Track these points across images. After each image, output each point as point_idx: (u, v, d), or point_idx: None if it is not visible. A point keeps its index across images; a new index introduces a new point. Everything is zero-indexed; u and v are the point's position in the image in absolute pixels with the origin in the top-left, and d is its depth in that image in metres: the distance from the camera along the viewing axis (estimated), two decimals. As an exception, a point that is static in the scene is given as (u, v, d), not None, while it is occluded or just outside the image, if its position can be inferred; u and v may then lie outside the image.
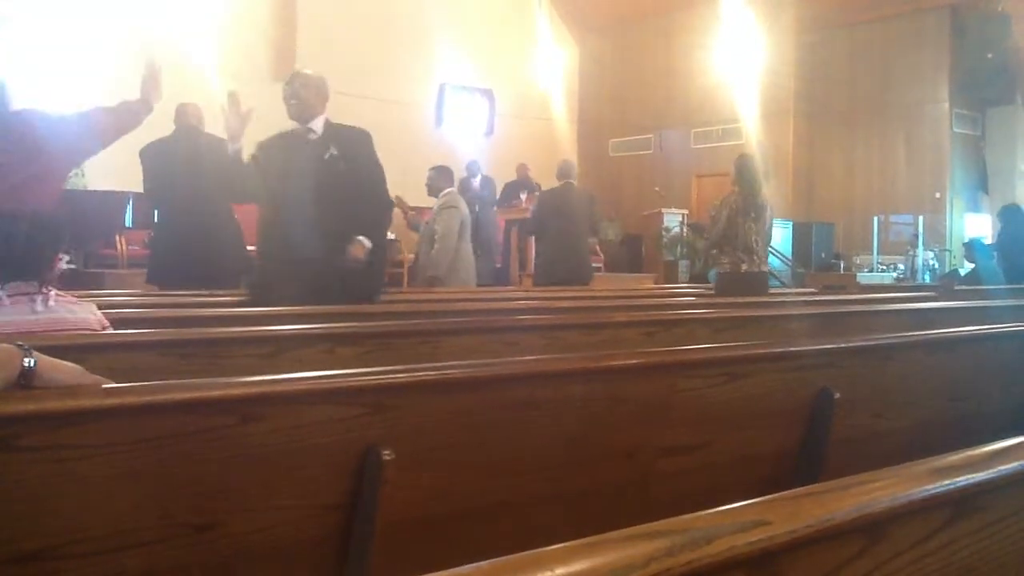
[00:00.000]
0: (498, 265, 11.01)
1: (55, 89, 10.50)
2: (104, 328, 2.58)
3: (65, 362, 1.45)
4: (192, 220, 5.39)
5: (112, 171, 10.19)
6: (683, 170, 14.34)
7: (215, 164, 5.41)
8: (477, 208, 11.50)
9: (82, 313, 2.53)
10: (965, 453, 1.15)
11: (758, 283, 5.98)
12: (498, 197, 11.82)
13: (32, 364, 1.36)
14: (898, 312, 4.83)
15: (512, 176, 12.34)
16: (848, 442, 2.32)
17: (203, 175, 5.33)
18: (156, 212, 5.95)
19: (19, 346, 1.38)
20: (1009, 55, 11.76)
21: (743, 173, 6.02)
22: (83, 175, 10.12)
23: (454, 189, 7.75)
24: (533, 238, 10.60)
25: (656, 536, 0.79)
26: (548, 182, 11.82)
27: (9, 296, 2.40)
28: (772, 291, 7.51)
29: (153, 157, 5.57)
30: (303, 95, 4.48)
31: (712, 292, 6.36)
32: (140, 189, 10.16)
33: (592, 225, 7.94)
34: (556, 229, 7.51)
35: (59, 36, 10.71)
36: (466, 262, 7.60)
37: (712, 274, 8.23)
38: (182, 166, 5.39)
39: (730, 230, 5.92)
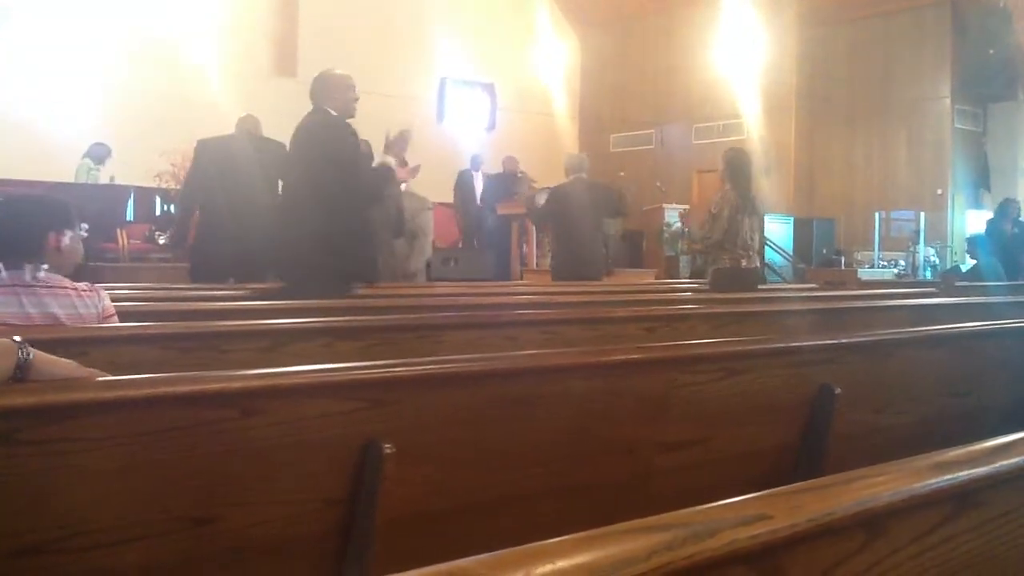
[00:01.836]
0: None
1: (55, 89, 10.52)
2: (105, 319, 2.58)
3: (60, 358, 1.45)
4: (239, 216, 5.42)
5: (115, 164, 10.26)
6: (684, 165, 14.33)
7: (268, 165, 5.45)
8: (480, 203, 11.49)
9: (82, 308, 2.53)
10: (966, 449, 1.15)
11: (751, 279, 5.98)
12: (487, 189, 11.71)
13: (28, 358, 1.37)
14: (899, 308, 4.82)
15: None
16: (849, 438, 2.32)
17: (254, 176, 5.40)
18: (192, 206, 5.98)
19: (15, 341, 1.39)
20: (1011, 51, 11.73)
21: (736, 169, 5.96)
22: (98, 170, 10.15)
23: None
24: (535, 232, 10.62)
25: (658, 530, 0.78)
26: (544, 179, 11.82)
27: (2, 287, 2.41)
28: (773, 286, 7.51)
29: (207, 152, 5.61)
30: None
31: (706, 288, 6.35)
32: (141, 184, 10.28)
33: (615, 211, 7.80)
34: (567, 225, 7.45)
35: (59, 36, 10.70)
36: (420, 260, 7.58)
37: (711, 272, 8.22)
38: (239, 165, 5.44)
39: (731, 227, 5.90)
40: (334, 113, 4.52)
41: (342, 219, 4.45)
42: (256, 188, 5.45)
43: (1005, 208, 9.26)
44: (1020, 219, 9.27)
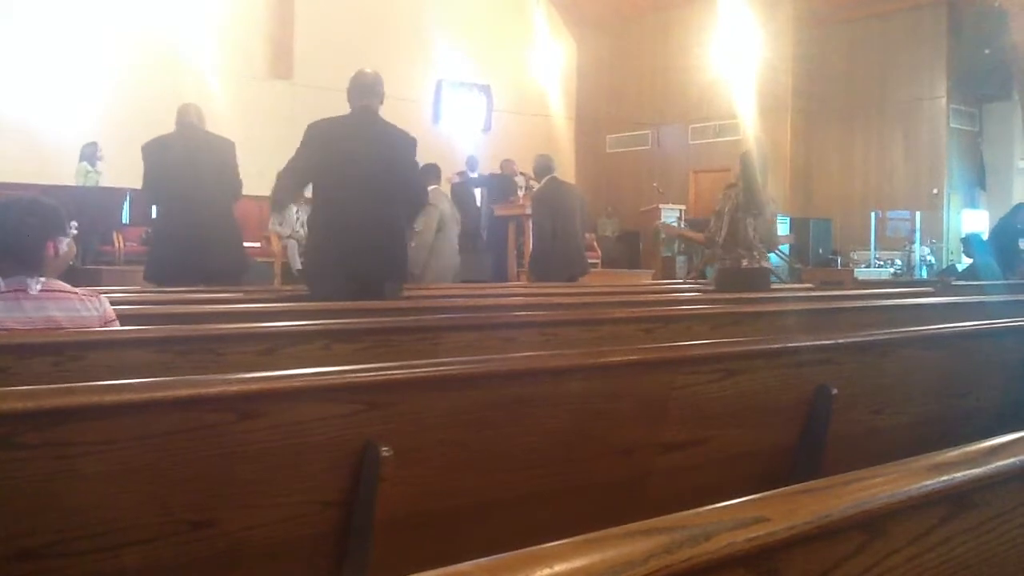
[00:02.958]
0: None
1: (51, 91, 10.51)
2: (106, 325, 2.58)
3: None
4: (191, 218, 5.36)
5: (112, 167, 10.26)
6: (681, 166, 14.35)
7: (216, 162, 5.41)
8: (480, 204, 11.50)
9: (84, 311, 2.53)
10: (963, 449, 1.15)
11: (759, 279, 5.96)
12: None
13: None
14: (896, 308, 4.83)
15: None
16: (846, 438, 2.32)
17: (203, 173, 5.33)
18: (155, 209, 5.90)
19: None
20: (1006, 51, 11.74)
21: (745, 169, 6.01)
22: (97, 173, 10.14)
23: (438, 187, 7.69)
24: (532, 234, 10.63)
25: (655, 533, 0.79)
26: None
27: (3, 292, 2.41)
28: (771, 286, 7.51)
29: (154, 153, 5.54)
30: None
31: (711, 288, 6.35)
32: (137, 186, 10.27)
33: (584, 219, 7.87)
34: (551, 225, 7.49)
35: (56, 38, 10.70)
36: (443, 257, 7.53)
37: (709, 271, 8.25)
38: (182, 163, 5.37)
39: (732, 226, 5.91)
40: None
41: (403, 221, 4.64)
42: (200, 186, 5.39)
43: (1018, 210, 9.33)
44: None
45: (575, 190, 7.99)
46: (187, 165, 5.36)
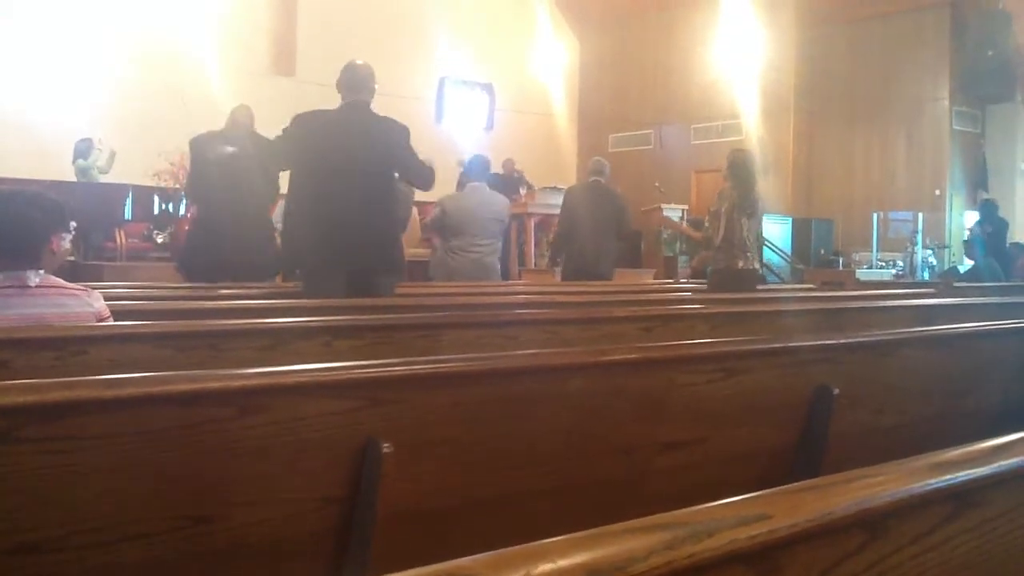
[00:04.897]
0: None
1: (54, 87, 10.52)
2: (100, 321, 2.58)
3: None
4: (234, 214, 5.41)
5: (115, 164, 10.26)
6: (683, 166, 14.33)
7: (260, 162, 5.46)
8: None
9: (78, 307, 2.53)
10: (965, 449, 1.15)
11: (750, 280, 5.97)
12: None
13: None
14: (897, 308, 4.82)
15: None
16: (847, 438, 2.32)
17: (250, 170, 5.39)
18: (197, 205, 5.95)
19: None
20: (1010, 53, 11.73)
21: (737, 169, 5.96)
22: (95, 169, 10.14)
23: (469, 185, 7.59)
24: (533, 232, 10.63)
25: (657, 529, 0.78)
26: (542, 179, 11.85)
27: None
28: (771, 287, 7.52)
29: (200, 149, 5.60)
30: None
31: (705, 288, 6.35)
32: (140, 183, 10.28)
33: (618, 225, 7.80)
34: (579, 226, 7.49)
35: (58, 34, 10.70)
36: (440, 255, 7.49)
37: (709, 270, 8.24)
38: (230, 159, 5.43)
39: (728, 227, 5.89)
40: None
41: (399, 214, 4.66)
42: (255, 184, 5.43)
43: (982, 210, 9.38)
44: (999, 216, 9.42)
45: (611, 196, 7.86)
46: (237, 161, 5.42)
